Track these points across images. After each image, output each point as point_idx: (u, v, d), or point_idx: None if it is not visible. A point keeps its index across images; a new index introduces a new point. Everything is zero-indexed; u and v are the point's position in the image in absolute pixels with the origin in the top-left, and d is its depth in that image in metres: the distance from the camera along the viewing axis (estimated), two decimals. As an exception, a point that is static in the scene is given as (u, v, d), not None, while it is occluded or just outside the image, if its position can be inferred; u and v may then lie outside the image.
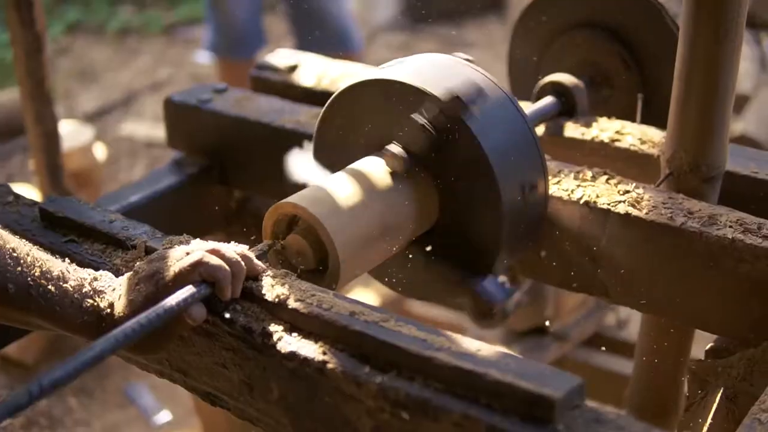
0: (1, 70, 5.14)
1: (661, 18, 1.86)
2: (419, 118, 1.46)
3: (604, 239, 1.56)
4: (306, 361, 1.25)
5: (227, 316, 1.33)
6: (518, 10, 2.01)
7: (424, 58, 1.58)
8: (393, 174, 1.50)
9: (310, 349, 1.26)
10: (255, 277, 1.36)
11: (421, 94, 1.47)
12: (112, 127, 4.83)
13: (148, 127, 4.82)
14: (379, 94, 1.53)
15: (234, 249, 1.35)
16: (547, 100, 1.85)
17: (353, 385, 1.21)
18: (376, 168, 1.51)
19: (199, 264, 1.29)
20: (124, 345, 1.18)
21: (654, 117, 1.84)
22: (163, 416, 3.21)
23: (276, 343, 1.29)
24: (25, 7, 2.81)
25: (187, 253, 1.32)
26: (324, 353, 1.25)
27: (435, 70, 1.53)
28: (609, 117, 1.83)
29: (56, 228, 1.59)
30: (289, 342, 1.28)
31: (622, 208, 1.54)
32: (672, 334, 1.71)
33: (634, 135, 1.76)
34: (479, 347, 1.19)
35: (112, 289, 1.34)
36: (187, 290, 1.27)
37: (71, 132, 3.66)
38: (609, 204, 1.55)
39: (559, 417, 1.10)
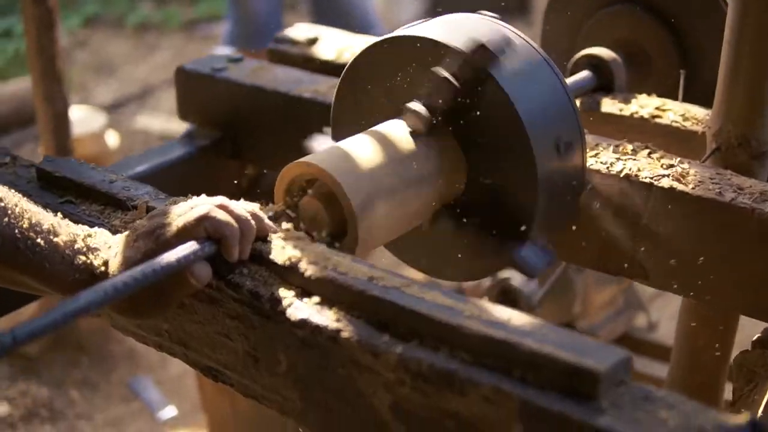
0: (15, 61, 5.06)
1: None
2: (441, 71, 1.34)
3: (645, 216, 1.43)
4: (318, 329, 1.13)
5: (233, 280, 1.21)
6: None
7: (448, 17, 1.45)
8: (416, 135, 1.38)
9: (322, 316, 1.14)
10: (265, 238, 1.24)
11: (444, 47, 1.35)
12: (127, 119, 4.74)
13: (163, 120, 4.73)
14: (400, 53, 1.42)
15: (244, 206, 1.23)
16: (583, 74, 1.73)
17: (369, 355, 1.09)
18: (398, 130, 1.39)
19: (204, 218, 1.17)
20: (114, 299, 1.06)
21: (697, 97, 1.72)
22: (169, 411, 3.09)
23: (285, 309, 1.17)
24: (37, -19, 2.71)
25: (192, 207, 1.20)
26: (338, 320, 1.13)
27: (458, 25, 1.41)
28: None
29: (53, 188, 1.48)
30: (299, 308, 1.16)
31: (666, 182, 1.41)
32: (715, 323, 1.58)
33: (675, 111, 1.64)
34: (511, 316, 1.07)
35: (108, 247, 1.22)
36: (190, 246, 1.15)
37: (83, 118, 3.56)
38: (652, 178, 1.42)
39: (603, 393, 0.97)
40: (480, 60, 1.31)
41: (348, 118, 1.50)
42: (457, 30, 1.39)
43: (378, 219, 1.32)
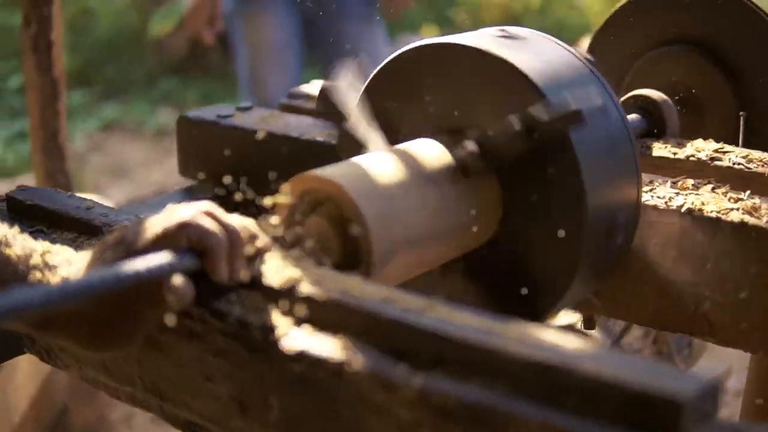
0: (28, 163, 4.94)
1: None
2: (516, 123, 1.13)
3: (711, 258, 1.21)
4: (318, 362, 0.91)
5: (218, 307, 0.99)
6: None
7: (536, 41, 1.25)
8: (456, 168, 1.18)
9: (324, 346, 0.92)
10: (259, 257, 1.03)
11: (530, 90, 1.15)
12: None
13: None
14: (461, 64, 1.22)
15: (236, 218, 1.03)
16: (631, 117, 1.54)
17: (382, 390, 0.86)
18: (434, 153, 1.19)
19: (186, 225, 0.96)
20: (60, 303, 0.84)
21: (759, 143, 1.52)
22: None
23: (279, 339, 0.95)
24: (43, 49, 2.57)
25: (173, 213, 1.00)
26: (344, 350, 0.91)
27: (541, 55, 1.21)
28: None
29: (25, 219, 1.28)
30: (296, 337, 0.94)
31: (736, 216, 1.20)
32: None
33: (737, 154, 1.43)
34: (561, 338, 0.84)
35: (69, 264, 1.01)
36: (167, 255, 0.94)
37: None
38: (719, 212, 1.21)
39: (686, 429, 0.74)
40: (565, 126, 1.12)
41: (374, 123, 1.30)
42: (541, 63, 1.19)
43: (398, 252, 1.10)
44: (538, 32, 1.26)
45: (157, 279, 0.93)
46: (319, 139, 1.60)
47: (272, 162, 1.66)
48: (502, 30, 1.24)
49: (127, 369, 1.12)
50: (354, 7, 3.30)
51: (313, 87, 1.94)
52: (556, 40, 1.26)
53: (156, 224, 0.98)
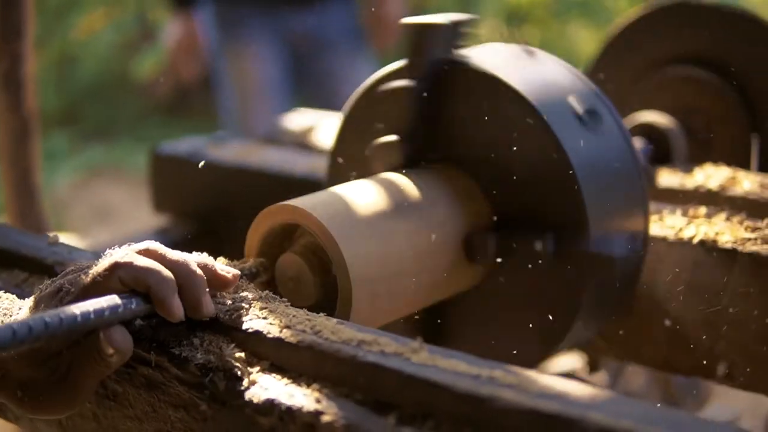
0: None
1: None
2: (389, 85, 1.07)
3: (726, 294, 1.10)
4: (290, 414, 0.79)
5: (179, 353, 0.88)
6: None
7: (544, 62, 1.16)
8: (417, 175, 1.08)
9: (297, 396, 0.80)
10: (224, 288, 0.92)
11: (529, 114, 1.06)
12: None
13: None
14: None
15: (185, 254, 0.92)
16: (636, 143, 1.43)
17: (362, 447, 0.75)
18: (430, 186, 1.08)
19: (115, 267, 0.85)
20: None
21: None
22: None
23: (247, 388, 0.83)
24: (13, 86, 2.46)
25: (110, 255, 0.89)
26: (318, 400, 0.79)
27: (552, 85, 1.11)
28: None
29: (-28, 259, 1.16)
30: (265, 386, 0.83)
31: (753, 247, 1.09)
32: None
33: (752, 181, 1.33)
34: (567, 386, 0.73)
35: (9, 316, 0.90)
36: (108, 300, 0.83)
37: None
38: (735, 242, 1.10)
39: (716, 489, 0.63)
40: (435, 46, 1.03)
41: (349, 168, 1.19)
42: (543, 84, 1.10)
43: (380, 289, 0.99)
44: (548, 54, 1.16)
45: (92, 327, 0.82)
46: (299, 172, 1.49)
47: (245, 201, 1.55)
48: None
49: (82, 424, 1.01)
50: (341, 41, 3.21)
51: (293, 120, 1.84)
52: (565, 64, 1.16)
53: (88, 271, 0.87)
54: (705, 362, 1.14)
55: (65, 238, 1.15)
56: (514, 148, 1.06)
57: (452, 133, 1.11)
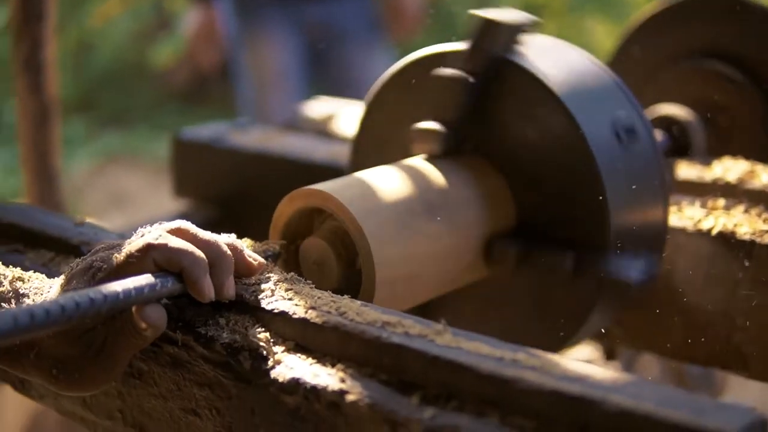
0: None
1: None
2: (444, 71, 1.07)
3: (744, 285, 1.11)
4: (314, 394, 0.81)
5: (205, 332, 0.90)
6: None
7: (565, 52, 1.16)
8: (444, 163, 1.09)
9: (321, 375, 0.82)
10: (249, 275, 0.93)
11: (554, 107, 1.07)
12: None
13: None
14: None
15: (216, 235, 0.93)
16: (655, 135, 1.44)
17: (386, 425, 0.76)
18: (460, 178, 1.09)
19: (151, 247, 0.87)
20: (26, 331, 0.74)
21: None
22: None
23: (272, 367, 0.85)
24: (32, 72, 2.48)
25: (142, 235, 0.90)
26: (343, 380, 0.81)
27: (576, 76, 1.12)
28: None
29: (1, 239, 1.18)
30: (290, 365, 0.84)
31: (773, 239, 1.10)
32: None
33: (770, 174, 1.33)
34: (589, 368, 0.74)
35: (40, 294, 0.92)
36: (144, 279, 0.85)
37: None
38: (753, 234, 1.11)
39: (735, 470, 0.64)
40: (493, 42, 1.03)
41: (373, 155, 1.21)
42: (568, 76, 1.10)
43: (406, 271, 1.00)
44: (598, 63, 1.16)
45: (132, 304, 0.83)
46: (319, 159, 1.51)
47: (265, 187, 1.57)
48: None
49: (106, 402, 1.02)
50: (359, 32, 3.22)
51: (313, 108, 1.85)
52: (613, 74, 1.17)
53: (122, 250, 0.88)
54: (721, 352, 1.15)
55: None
56: (550, 158, 1.07)
57: (494, 130, 1.11)
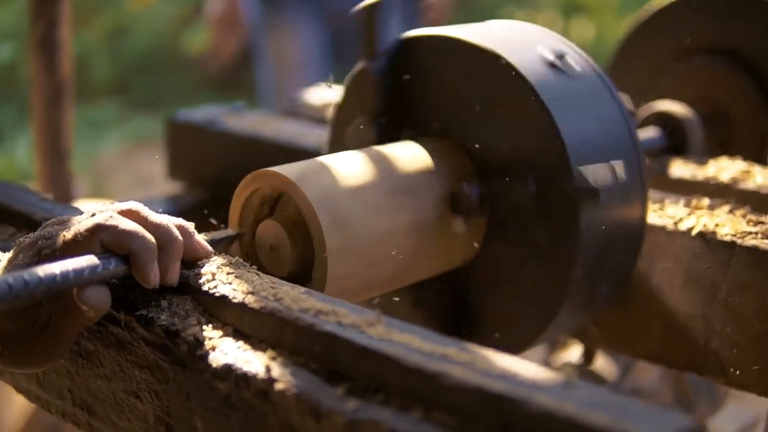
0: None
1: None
2: (533, 185, 1.04)
3: (724, 288, 1.07)
4: (245, 380, 0.78)
5: (146, 314, 0.87)
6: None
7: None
8: (413, 148, 1.06)
9: (253, 362, 0.79)
10: (195, 261, 0.91)
11: (542, 117, 1.03)
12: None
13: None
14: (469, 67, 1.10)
15: (168, 217, 0.91)
16: (651, 132, 1.40)
17: (309, 417, 0.74)
18: (412, 154, 1.06)
19: (100, 228, 0.84)
20: None
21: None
22: None
23: (207, 352, 0.82)
24: (47, 51, 2.47)
25: (93, 214, 0.88)
26: (273, 368, 0.78)
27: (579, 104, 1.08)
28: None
29: (-34, 213, 1.17)
30: (225, 351, 0.82)
31: (753, 241, 1.05)
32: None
33: (765, 175, 1.29)
34: (516, 365, 0.71)
35: None
36: (86, 260, 0.82)
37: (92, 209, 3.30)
38: (735, 236, 1.07)
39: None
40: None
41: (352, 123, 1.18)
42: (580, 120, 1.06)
43: (360, 262, 0.97)
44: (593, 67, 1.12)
45: (71, 286, 0.81)
46: (309, 144, 1.48)
47: (259, 167, 1.54)
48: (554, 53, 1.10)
49: (57, 380, 1.01)
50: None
51: (312, 94, 1.83)
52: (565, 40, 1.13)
53: (71, 227, 0.86)
54: (699, 357, 1.10)
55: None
56: (483, 101, 1.06)
57: (419, 104, 1.11)
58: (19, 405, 2.47)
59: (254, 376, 0.78)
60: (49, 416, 2.60)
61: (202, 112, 1.66)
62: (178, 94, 5.78)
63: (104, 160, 5.03)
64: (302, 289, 0.85)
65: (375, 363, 0.73)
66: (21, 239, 0.90)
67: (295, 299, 0.82)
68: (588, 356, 1.24)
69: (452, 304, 1.10)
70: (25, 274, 0.78)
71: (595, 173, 0.99)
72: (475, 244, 1.07)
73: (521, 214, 1.04)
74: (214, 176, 1.62)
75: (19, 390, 1.09)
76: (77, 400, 0.98)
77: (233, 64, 5.21)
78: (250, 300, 0.83)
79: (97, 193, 3.65)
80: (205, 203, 1.61)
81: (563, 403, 0.64)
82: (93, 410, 0.97)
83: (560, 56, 1.07)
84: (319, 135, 1.52)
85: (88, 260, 0.83)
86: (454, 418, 0.68)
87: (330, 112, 1.70)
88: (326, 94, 1.80)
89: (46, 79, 2.51)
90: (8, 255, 0.90)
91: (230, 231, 1.00)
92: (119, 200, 0.92)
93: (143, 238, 0.85)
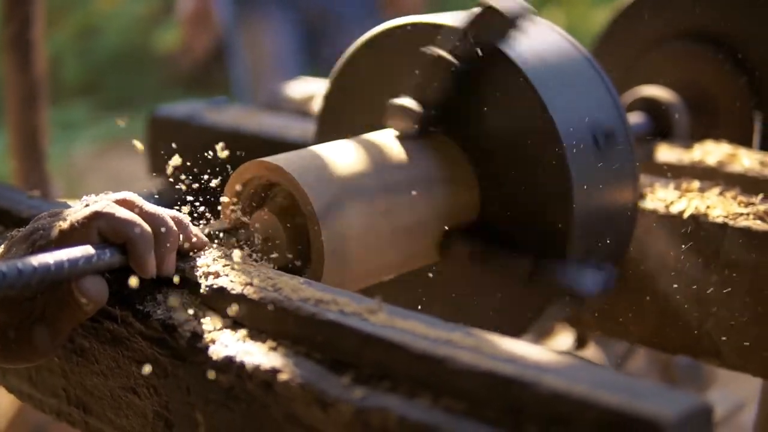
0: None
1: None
2: (434, 50, 1.01)
3: (717, 270, 1.07)
4: (247, 373, 0.78)
5: (143, 308, 0.86)
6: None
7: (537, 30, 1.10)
8: (407, 138, 1.05)
9: (255, 354, 0.78)
10: (191, 251, 0.90)
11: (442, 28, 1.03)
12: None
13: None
14: (399, 46, 1.10)
15: (162, 209, 0.90)
16: (636, 117, 1.40)
17: (316, 406, 0.73)
18: (388, 136, 1.06)
19: (97, 216, 0.83)
20: None
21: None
22: None
23: (207, 345, 0.81)
24: (21, 50, 2.45)
25: (87, 205, 0.87)
26: (275, 359, 0.77)
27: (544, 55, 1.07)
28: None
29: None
30: (225, 343, 0.81)
31: (745, 222, 1.06)
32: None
33: (751, 158, 1.29)
34: (522, 348, 0.71)
35: None
36: (82, 250, 0.81)
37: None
38: (726, 217, 1.07)
39: (669, 459, 0.60)
40: (487, 30, 0.99)
41: (336, 126, 1.17)
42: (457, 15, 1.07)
43: (357, 247, 0.97)
44: (543, 21, 1.11)
45: (65, 277, 0.80)
46: (292, 136, 1.47)
47: (243, 161, 1.53)
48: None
49: (51, 379, 1.00)
50: (355, 16, 3.18)
51: (293, 88, 1.82)
52: (559, 30, 1.12)
53: (66, 217, 0.85)
54: (693, 340, 1.11)
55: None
56: (522, 156, 1.03)
57: (471, 118, 1.07)
58: (2, 406, 2.44)
59: (256, 368, 0.77)
60: (35, 416, 2.57)
61: (183, 108, 1.65)
62: (150, 93, 5.74)
63: (77, 161, 4.99)
64: (301, 279, 0.85)
65: (380, 350, 0.73)
66: (12, 233, 0.89)
67: (295, 289, 0.81)
68: (580, 342, 1.24)
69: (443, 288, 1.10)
70: (19, 263, 0.77)
71: (589, 278, 0.99)
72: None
73: (515, 191, 1.03)
74: (197, 171, 1.61)
75: (10, 390, 1.08)
76: (72, 399, 0.97)
77: (205, 62, 5.18)
78: (249, 291, 0.83)
79: (72, 194, 3.61)
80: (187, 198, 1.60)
81: (574, 384, 0.64)
82: (89, 408, 0.96)
83: (608, 135, 1.04)
84: (301, 127, 1.52)
85: (82, 250, 0.82)
86: (463, 403, 0.68)
87: (313, 105, 1.70)
88: (306, 88, 1.79)
89: (20, 80, 2.48)
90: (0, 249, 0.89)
91: (224, 222, 0.99)
92: (62, 205, 0.91)
93: (141, 226, 0.84)
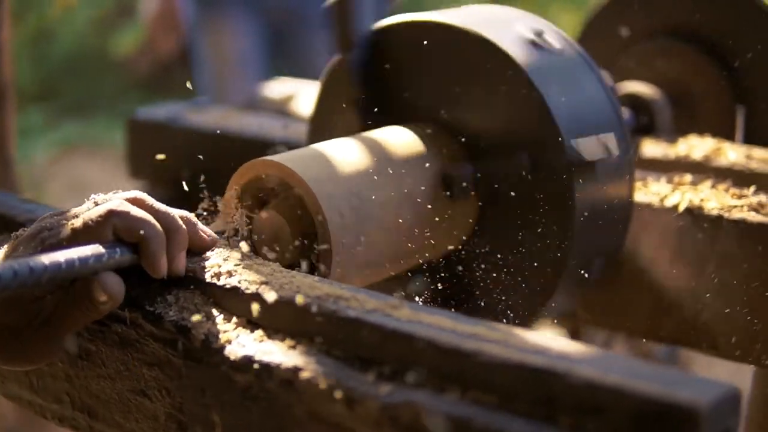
0: None
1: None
2: (526, 166, 1.04)
3: (712, 262, 1.09)
4: (267, 372, 0.77)
5: (153, 309, 0.86)
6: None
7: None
8: (413, 137, 1.06)
9: (274, 353, 0.78)
10: (199, 252, 0.89)
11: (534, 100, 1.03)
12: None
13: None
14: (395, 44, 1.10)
15: (175, 210, 0.89)
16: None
17: (341, 404, 0.73)
18: (404, 138, 1.06)
19: (112, 214, 0.83)
20: None
21: (761, 137, 1.40)
22: None
23: (223, 345, 0.81)
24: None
25: (97, 203, 0.86)
26: (296, 357, 0.77)
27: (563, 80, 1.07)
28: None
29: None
30: (242, 343, 0.80)
31: (739, 214, 1.07)
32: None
33: (737, 152, 1.31)
34: (547, 339, 0.71)
35: None
36: (85, 249, 0.80)
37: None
38: (721, 209, 1.09)
39: (706, 444, 0.61)
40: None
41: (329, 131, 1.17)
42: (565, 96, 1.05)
43: (362, 249, 0.97)
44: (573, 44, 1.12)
45: (76, 275, 0.79)
46: (278, 136, 1.47)
47: (223, 165, 1.52)
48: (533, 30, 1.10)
49: (53, 384, 0.98)
50: (320, 17, 3.17)
51: (272, 88, 1.82)
52: (554, 27, 1.14)
53: (77, 215, 0.84)
54: (689, 331, 1.12)
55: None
56: (468, 81, 1.06)
57: (403, 91, 1.10)
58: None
59: (277, 366, 0.77)
60: (7, 420, 2.53)
61: (163, 109, 1.63)
62: (106, 97, 5.68)
63: (35, 169, 4.92)
64: (315, 277, 0.84)
65: (406, 345, 0.73)
66: (17, 233, 0.88)
67: (312, 287, 0.81)
68: (574, 336, 1.25)
69: (449, 287, 1.10)
70: (30, 261, 0.76)
71: (588, 146, 1.00)
72: (471, 221, 1.07)
73: (515, 192, 1.04)
74: (178, 173, 1.60)
75: (9, 397, 1.06)
76: (77, 404, 0.96)
77: (165, 64, 5.14)
78: (264, 290, 0.82)
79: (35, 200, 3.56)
80: (170, 201, 1.58)
81: (606, 374, 0.65)
82: (95, 413, 0.94)
83: (539, 34, 1.07)
84: (284, 128, 1.51)
85: (93, 249, 0.81)
86: (493, 396, 0.68)
87: (292, 105, 1.69)
88: (285, 88, 1.78)
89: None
90: (4, 249, 0.87)
91: (225, 222, 0.99)
92: (58, 207, 0.90)
93: (154, 226, 0.84)
